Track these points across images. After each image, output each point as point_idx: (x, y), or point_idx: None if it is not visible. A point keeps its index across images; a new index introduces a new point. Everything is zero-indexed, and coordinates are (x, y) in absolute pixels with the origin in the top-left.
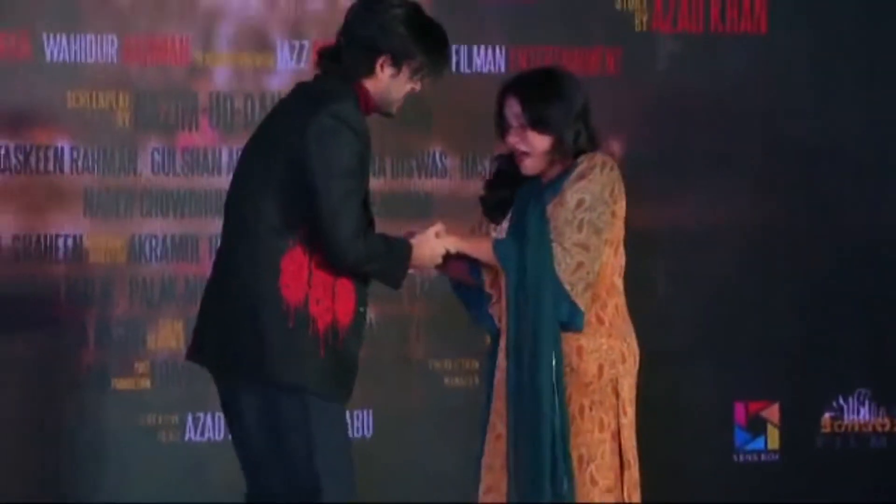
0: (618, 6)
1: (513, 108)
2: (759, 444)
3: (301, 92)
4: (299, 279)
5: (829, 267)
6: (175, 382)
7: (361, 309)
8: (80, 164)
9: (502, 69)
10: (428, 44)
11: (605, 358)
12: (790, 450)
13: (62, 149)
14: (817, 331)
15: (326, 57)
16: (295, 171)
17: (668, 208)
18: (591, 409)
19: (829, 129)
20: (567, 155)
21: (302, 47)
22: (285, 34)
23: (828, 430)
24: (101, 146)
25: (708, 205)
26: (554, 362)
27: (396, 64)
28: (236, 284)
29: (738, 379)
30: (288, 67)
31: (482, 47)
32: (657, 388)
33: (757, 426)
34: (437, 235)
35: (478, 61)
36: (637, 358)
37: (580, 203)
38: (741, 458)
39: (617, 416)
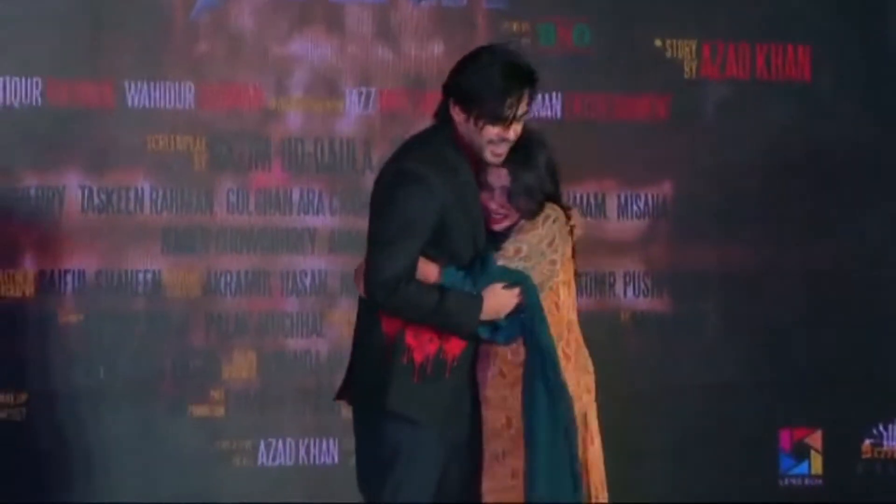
0: (668, 54)
1: (499, 179)
2: (802, 469)
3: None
4: None
5: (869, 301)
6: (248, 410)
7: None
8: (158, 203)
9: (558, 114)
10: (481, 88)
11: (574, 393)
12: (832, 475)
13: (142, 189)
14: (858, 361)
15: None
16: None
17: (716, 250)
18: None
19: (874, 173)
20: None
21: (369, 93)
22: (354, 81)
23: (868, 455)
24: (178, 187)
25: (755, 246)
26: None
27: (464, 109)
28: (357, 324)
29: (783, 407)
30: (356, 112)
31: (539, 94)
32: (707, 417)
33: (801, 452)
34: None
35: (535, 107)
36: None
37: (517, 252)
38: (786, 482)
39: (585, 449)
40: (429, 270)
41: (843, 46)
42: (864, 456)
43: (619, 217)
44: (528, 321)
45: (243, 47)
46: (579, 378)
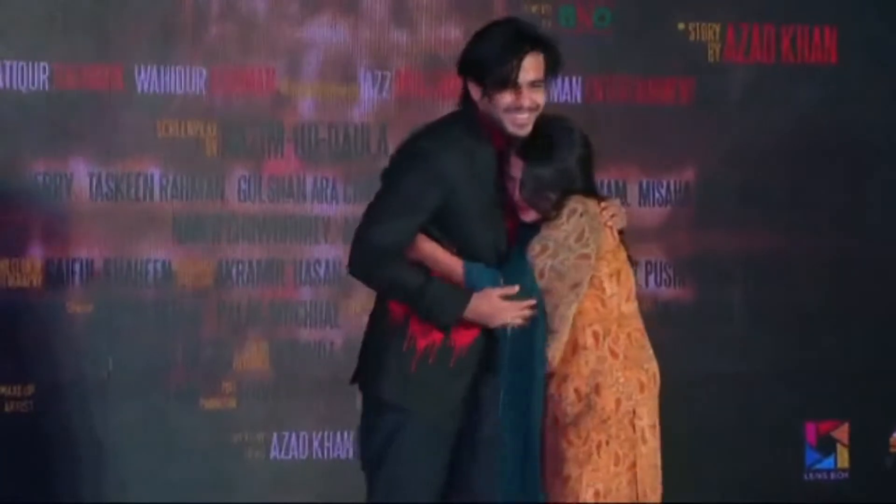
0: (691, 37)
1: (518, 170)
2: (829, 463)
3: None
4: None
5: None
6: (261, 402)
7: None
8: (168, 191)
9: (578, 99)
10: (486, 54)
11: (623, 391)
12: (859, 469)
13: (152, 176)
14: (886, 354)
15: None
16: None
17: (741, 236)
18: (607, 443)
19: None
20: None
21: (384, 78)
22: (368, 65)
23: None
24: (189, 174)
25: (781, 232)
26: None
27: (476, 81)
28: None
29: (810, 400)
30: (370, 97)
31: (559, 77)
32: (731, 408)
33: (827, 446)
34: (504, 297)
35: (555, 91)
36: (658, 380)
37: (543, 249)
38: (812, 476)
39: (634, 448)
40: (452, 263)
41: (871, 28)
42: (892, 450)
43: (640, 204)
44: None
45: (255, 31)
46: (629, 375)
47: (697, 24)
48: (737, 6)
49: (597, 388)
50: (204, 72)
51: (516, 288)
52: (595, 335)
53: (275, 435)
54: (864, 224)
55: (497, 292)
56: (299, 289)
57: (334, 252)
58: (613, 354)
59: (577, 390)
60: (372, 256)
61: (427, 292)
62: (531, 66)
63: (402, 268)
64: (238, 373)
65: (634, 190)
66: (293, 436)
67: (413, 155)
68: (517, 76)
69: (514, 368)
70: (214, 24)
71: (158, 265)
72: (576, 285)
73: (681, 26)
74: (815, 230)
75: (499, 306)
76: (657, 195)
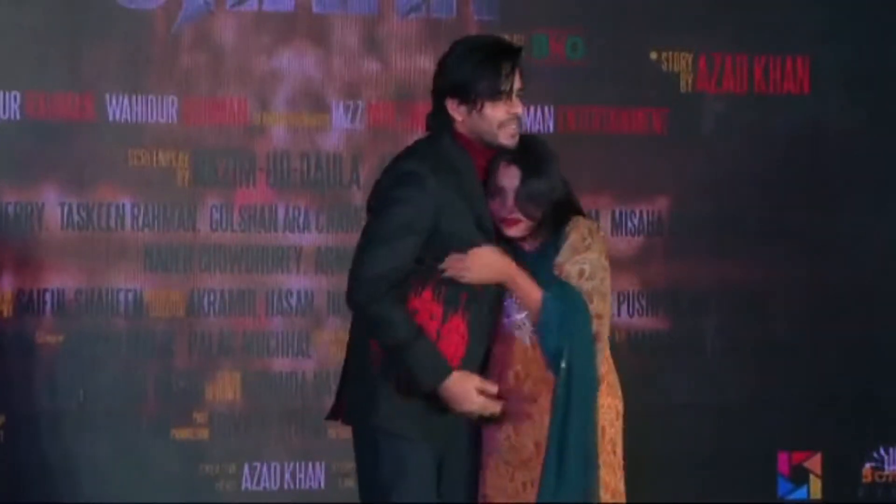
0: (664, 67)
1: (512, 180)
2: (801, 493)
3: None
4: None
5: (871, 321)
6: (233, 432)
7: (477, 355)
8: (140, 220)
9: (551, 128)
10: (473, 70)
11: (606, 418)
12: (832, 499)
13: (123, 206)
14: (859, 383)
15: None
16: None
17: (714, 266)
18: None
19: (875, 188)
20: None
21: (357, 107)
22: (340, 95)
23: (869, 480)
24: (161, 203)
25: (754, 264)
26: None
27: (462, 100)
28: (350, 339)
29: (782, 430)
30: (342, 126)
31: (532, 107)
32: (704, 438)
33: (800, 476)
34: (480, 391)
35: (527, 120)
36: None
37: (581, 273)
38: None
39: (615, 475)
40: (531, 289)
41: (843, 57)
42: (864, 480)
43: (613, 233)
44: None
45: (227, 60)
46: (610, 402)
47: (670, 53)
48: (709, 36)
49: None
50: (176, 101)
51: (496, 388)
52: None
53: (246, 466)
54: (837, 254)
55: (475, 382)
56: (271, 319)
57: (306, 282)
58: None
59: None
60: (368, 286)
61: (413, 350)
62: (516, 76)
63: (397, 312)
64: (210, 403)
65: (607, 219)
66: (265, 466)
67: (400, 178)
68: (511, 86)
69: (577, 387)
70: (186, 53)
71: (130, 295)
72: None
73: (653, 56)
74: (788, 260)
75: (470, 397)
76: (630, 225)
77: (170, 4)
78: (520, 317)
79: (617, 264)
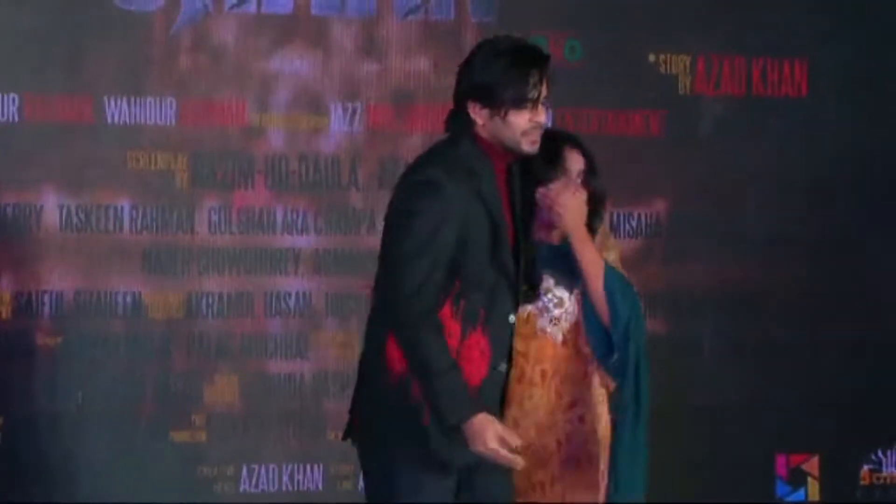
0: (662, 70)
1: (576, 164)
2: (799, 495)
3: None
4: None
5: (869, 322)
6: (230, 434)
7: (499, 368)
8: (138, 222)
9: None
10: (500, 75)
11: (603, 420)
12: (830, 501)
13: (122, 208)
14: (856, 386)
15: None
16: None
17: (711, 270)
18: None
19: (873, 190)
20: None
21: (355, 110)
22: (339, 97)
23: (867, 482)
24: (159, 205)
25: (751, 266)
26: None
27: (485, 104)
28: (363, 356)
29: (780, 433)
30: (341, 129)
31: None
32: (701, 441)
33: (798, 478)
34: (501, 440)
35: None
36: None
37: (623, 273)
38: None
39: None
40: (598, 257)
41: (840, 60)
42: (862, 482)
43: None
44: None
45: (225, 62)
46: (602, 409)
47: (668, 56)
48: (707, 39)
49: (598, 417)
50: (174, 103)
51: (518, 442)
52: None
53: (244, 468)
54: (835, 257)
55: (498, 430)
56: (269, 321)
57: (304, 284)
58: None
59: (582, 417)
60: (409, 305)
61: (444, 381)
62: (543, 84)
63: (437, 339)
64: (208, 405)
65: (605, 222)
66: (263, 468)
67: (416, 188)
68: (537, 95)
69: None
70: (185, 55)
71: (128, 297)
72: None
73: (651, 58)
74: (786, 263)
75: (489, 442)
76: (628, 227)
77: (168, 6)
78: (558, 312)
79: None
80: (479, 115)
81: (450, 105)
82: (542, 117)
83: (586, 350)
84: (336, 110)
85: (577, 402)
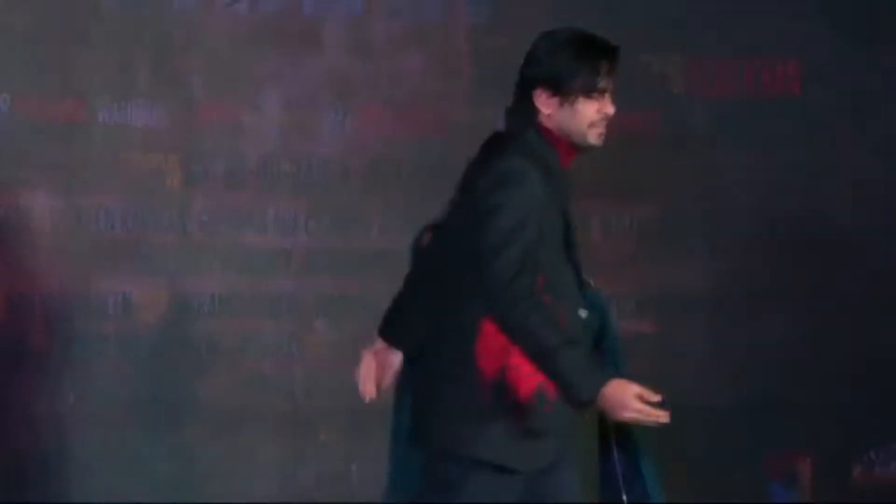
0: (655, 70)
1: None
2: (791, 495)
3: (482, 149)
4: (495, 344)
5: (860, 325)
6: (223, 435)
7: None
8: (130, 223)
9: None
10: (570, 63)
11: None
12: (822, 502)
13: (113, 208)
14: (848, 386)
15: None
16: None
17: (704, 271)
18: None
19: (864, 189)
20: None
21: (346, 110)
22: (331, 98)
23: (859, 482)
24: (151, 206)
25: (744, 267)
26: None
27: (554, 92)
28: (434, 354)
29: (772, 434)
30: (331, 129)
31: None
32: (692, 441)
33: (790, 478)
34: (639, 398)
35: None
36: None
37: None
38: None
39: None
40: None
41: (832, 59)
42: (854, 482)
43: (604, 237)
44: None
45: (217, 63)
46: None
47: (661, 56)
48: (699, 39)
49: None
50: (165, 103)
51: (657, 396)
52: None
53: (237, 468)
54: (828, 258)
55: (634, 389)
56: (261, 321)
57: (296, 285)
58: None
59: None
60: (513, 290)
61: (567, 355)
62: (612, 75)
63: (547, 316)
64: (200, 406)
65: (597, 222)
66: (256, 469)
67: (507, 176)
68: (606, 84)
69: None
70: (177, 56)
71: (119, 298)
72: None
73: (644, 59)
74: (778, 263)
75: (631, 404)
76: (621, 227)
77: (161, 6)
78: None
79: (607, 268)
80: (545, 104)
81: (437, 108)
82: (611, 109)
83: None
84: (328, 111)
85: None
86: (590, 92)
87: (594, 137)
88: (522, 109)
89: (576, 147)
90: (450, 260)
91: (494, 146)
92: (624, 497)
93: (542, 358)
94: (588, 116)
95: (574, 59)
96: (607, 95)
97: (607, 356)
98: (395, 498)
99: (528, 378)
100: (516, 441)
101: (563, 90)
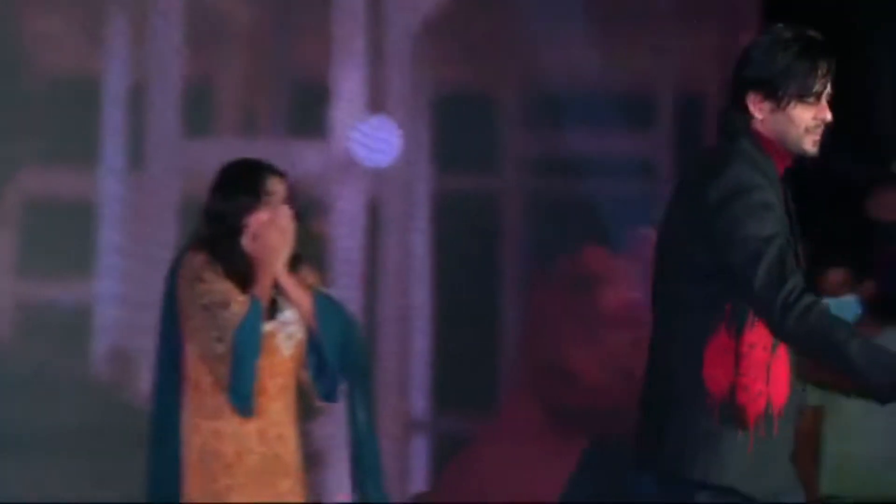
0: None
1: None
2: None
3: (697, 161)
4: (724, 365)
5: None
6: None
7: (799, 388)
8: None
9: None
10: (787, 64)
11: None
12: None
13: None
14: None
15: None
16: (706, 245)
17: None
18: None
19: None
20: None
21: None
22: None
23: None
24: None
25: None
26: None
27: (769, 95)
28: (661, 375)
29: None
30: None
31: None
32: None
33: None
34: None
35: None
36: None
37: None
38: None
39: None
40: None
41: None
42: None
43: None
44: None
45: None
46: None
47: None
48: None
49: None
50: None
51: None
52: None
53: None
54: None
55: None
56: None
57: None
58: None
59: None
60: (785, 297)
61: (860, 347)
62: (828, 78)
63: (820, 315)
64: None
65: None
66: None
67: (742, 189)
68: (823, 87)
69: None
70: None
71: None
72: None
73: None
74: None
75: None
76: None
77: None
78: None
79: None
80: (759, 109)
81: None
82: (828, 115)
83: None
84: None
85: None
86: (805, 96)
87: (810, 145)
88: (735, 113)
89: (791, 155)
90: (669, 277)
91: (716, 156)
92: None
93: (835, 360)
94: (804, 122)
95: (791, 60)
96: (824, 99)
97: None
98: None
99: (756, 399)
100: (746, 464)
101: (776, 94)
